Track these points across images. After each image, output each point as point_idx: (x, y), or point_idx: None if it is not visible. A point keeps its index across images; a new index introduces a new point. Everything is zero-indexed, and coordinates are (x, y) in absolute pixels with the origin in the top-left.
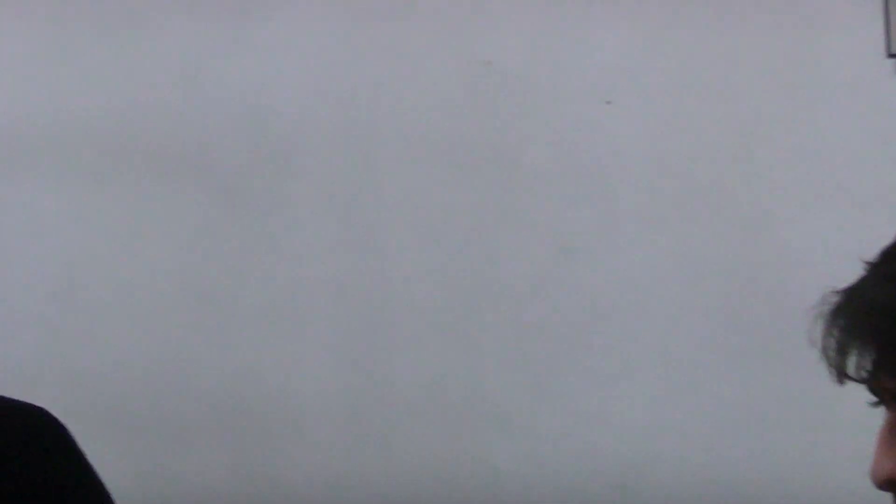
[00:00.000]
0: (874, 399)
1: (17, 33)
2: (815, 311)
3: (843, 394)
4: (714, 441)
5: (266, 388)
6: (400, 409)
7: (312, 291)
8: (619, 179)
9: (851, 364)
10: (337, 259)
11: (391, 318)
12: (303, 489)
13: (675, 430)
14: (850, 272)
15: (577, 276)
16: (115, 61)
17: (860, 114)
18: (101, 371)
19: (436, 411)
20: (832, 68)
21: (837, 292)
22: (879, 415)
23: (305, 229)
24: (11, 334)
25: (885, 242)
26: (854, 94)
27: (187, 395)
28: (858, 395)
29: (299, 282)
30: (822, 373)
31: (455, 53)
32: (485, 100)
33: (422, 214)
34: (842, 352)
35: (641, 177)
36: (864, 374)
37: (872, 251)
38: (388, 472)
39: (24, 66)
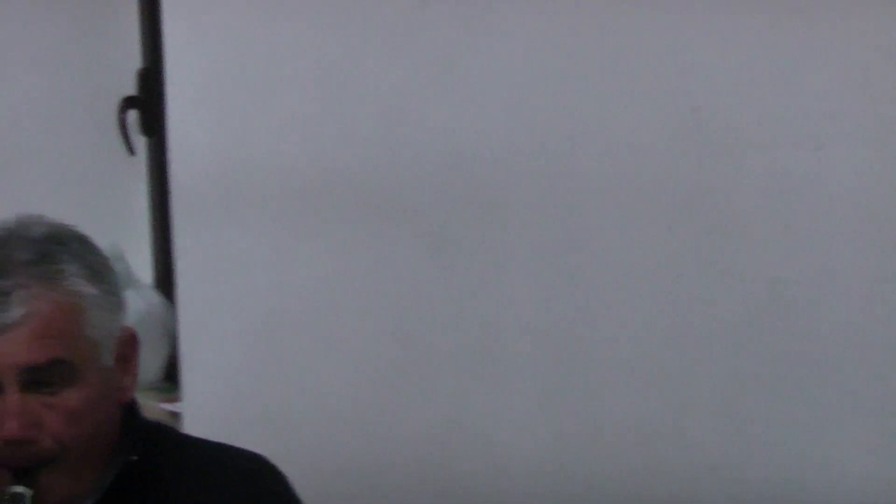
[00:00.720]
0: None
1: (231, 82)
2: None
3: None
4: None
5: (469, 434)
6: (604, 458)
7: (516, 338)
8: (832, 228)
9: None
10: (540, 306)
11: (595, 367)
12: None
13: None
14: None
15: (790, 325)
16: (320, 107)
17: None
18: (304, 415)
19: (641, 459)
20: None
21: None
22: None
23: (509, 275)
24: (216, 377)
25: None
26: None
27: (390, 440)
28: None
29: (502, 328)
30: None
31: (662, 100)
32: (692, 146)
33: (627, 261)
34: None
35: (855, 225)
36: None
37: None
38: None
39: (236, 116)
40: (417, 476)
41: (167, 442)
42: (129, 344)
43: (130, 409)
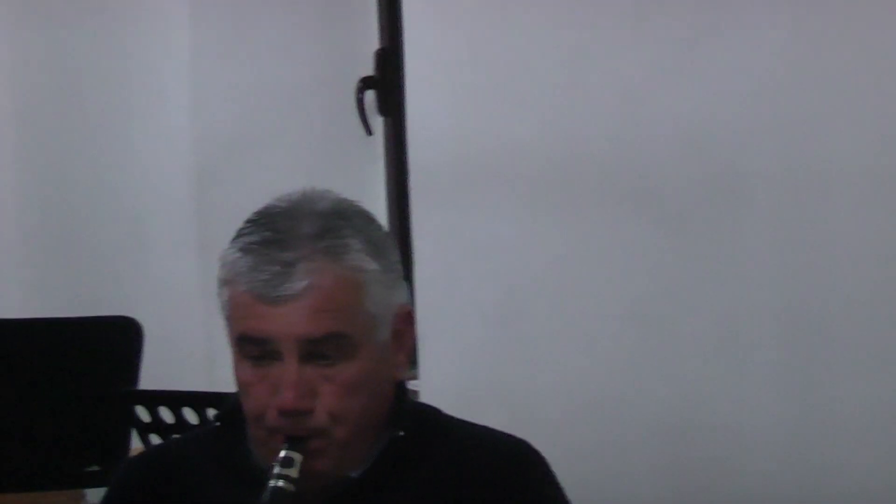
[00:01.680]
0: None
1: (469, 63)
2: None
3: None
4: None
5: (708, 416)
6: (846, 442)
7: (756, 322)
8: None
9: None
10: (781, 289)
11: (837, 350)
12: None
13: None
14: None
15: None
16: (559, 91)
17: None
18: (540, 396)
19: (885, 445)
20: None
21: None
22: None
23: (750, 259)
24: (453, 357)
25: None
26: None
27: (627, 423)
28: None
29: (743, 310)
30: None
31: None
32: None
33: (869, 244)
34: None
35: None
36: None
37: None
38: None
39: (474, 97)
40: (655, 459)
41: (433, 422)
42: (405, 320)
43: (400, 386)
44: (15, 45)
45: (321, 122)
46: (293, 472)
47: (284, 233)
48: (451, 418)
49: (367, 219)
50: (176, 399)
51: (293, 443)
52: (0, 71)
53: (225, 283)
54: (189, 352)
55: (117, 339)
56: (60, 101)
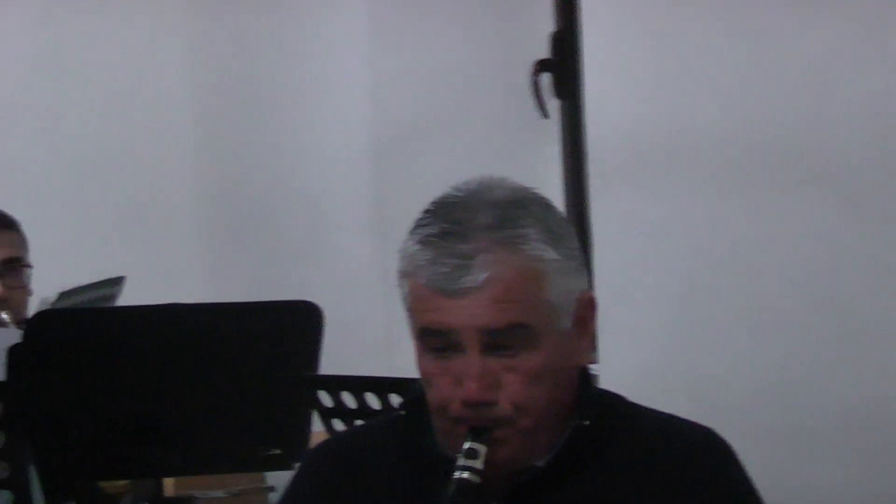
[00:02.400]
0: None
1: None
2: None
3: None
4: None
5: (892, 402)
6: None
7: None
8: None
9: None
10: None
11: None
12: None
13: None
14: None
15: None
16: (740, 73)
17: None
18: (723, 381)
19: None
20: None
21: None
22: None
23: None
24: (632, 341)
25: None
26: None
27: (812, 405)
28: None
29: None
30: None
31: None
32: None
33: None
34: None
35: None
36: None
37: None
38: None
39: (651, 79)
40: (840, 444)
41: (618, 410)
42: (587, 307)
43: (584, 373)
44: (192, 30)
45: (496, 104)
46: (478, 464)
47: (462, 224)
48: (636, 406)
49: (545, 207)
50: (359, 384)
51: (477, 433)
52: (178, 57)
53: (405, 275)
54: (367, 335)
55: (299, 323)
56: (238, 85)
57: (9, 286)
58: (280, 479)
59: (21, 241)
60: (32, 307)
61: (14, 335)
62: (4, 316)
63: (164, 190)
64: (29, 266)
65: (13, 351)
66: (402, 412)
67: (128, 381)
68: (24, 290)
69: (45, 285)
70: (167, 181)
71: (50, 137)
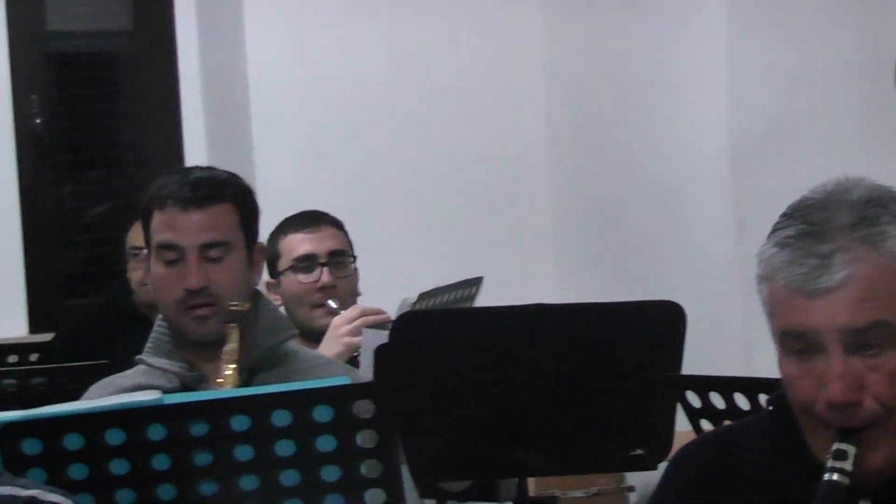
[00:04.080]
0: None
1: None
2: None
3: None
4: None
5: None
6: None
7: None
8: None
9: None
10: None
11: None
12: None
13: None
14: None
15: None
16: None
17: None
18: None
19: None
20: None
21: None
22: None
23: None
24: None
25: None
26: None
27: None
28: None
29: None
30: None
31: None
32: None
33: None
34: None
35: None
36: None
37: None
38: None
39: None
40: None
41: None
42: None
43: None
44: (551, 32)
45: (860, 102)
46: (847, 465)
47: (820, 225)
48: None
49: None
50: (728, 384)
51: (845, 435)
52: (534, 58)
53: (764, 279)
54: (725, 335)
55: (663, 323)
56: (595, 85)
57: (336, 276)
58: (640, 480)
59: (346, 239)
60: (393, 309)
61: (381, 336)
62: (332, 303)
63: (520, 191)
64: (353, 257)
65: (380, 351)
66: (770, 408)
67: (492, 382)
68: (349, 280)
69: (406, 288)
70: (524, 182)
71: (410, 142)
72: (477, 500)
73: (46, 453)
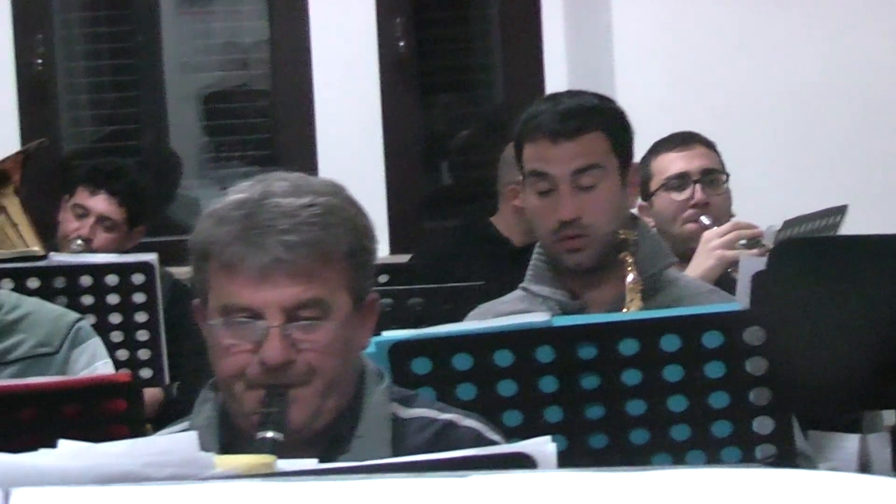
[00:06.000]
0: None
1: None
2: None
3: None
4: None
5: None
6: None
7: None
8: None
9: None
10: None
11: None
12: None
13: None
14: None
15: None
16: None
17: None
18: None
19: None
20: None
21: None
22: None
23: None
24: None
25: None
26: None
27: None
28: None
29: None
30: None
31: None
32: None
33: None
34: None
35: None
36: None
37: None
38: None
39: None
40: None
41: None
42: None
43: None
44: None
45: None
46: None
47: None
48: None
49: None
50: None
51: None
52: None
53: None
54: None
55: None
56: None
57: (709, 194)
58: None
59: (718, 158)
60: (767, 237)
61: (759, 263)
62: (706, 219)
63: (886, 122)
64: (727, 175)
65: (758, 278)
66: None
67: (875, 312)
68: (723, 198)
69: (771, 214)
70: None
71: (777, 69)
72: (840, 430)
73: (436, 372)
